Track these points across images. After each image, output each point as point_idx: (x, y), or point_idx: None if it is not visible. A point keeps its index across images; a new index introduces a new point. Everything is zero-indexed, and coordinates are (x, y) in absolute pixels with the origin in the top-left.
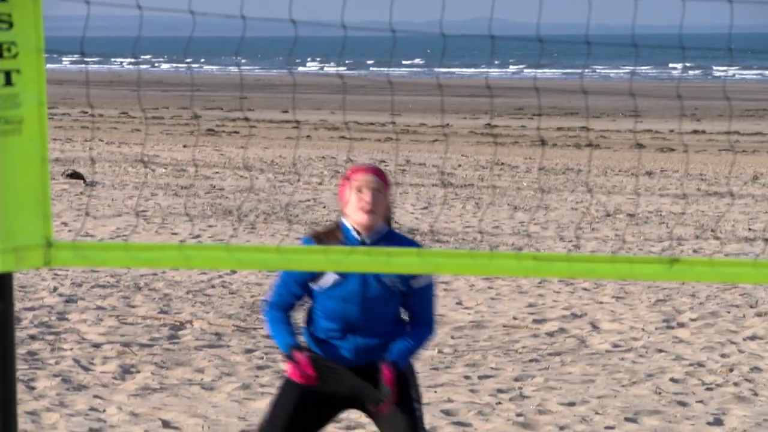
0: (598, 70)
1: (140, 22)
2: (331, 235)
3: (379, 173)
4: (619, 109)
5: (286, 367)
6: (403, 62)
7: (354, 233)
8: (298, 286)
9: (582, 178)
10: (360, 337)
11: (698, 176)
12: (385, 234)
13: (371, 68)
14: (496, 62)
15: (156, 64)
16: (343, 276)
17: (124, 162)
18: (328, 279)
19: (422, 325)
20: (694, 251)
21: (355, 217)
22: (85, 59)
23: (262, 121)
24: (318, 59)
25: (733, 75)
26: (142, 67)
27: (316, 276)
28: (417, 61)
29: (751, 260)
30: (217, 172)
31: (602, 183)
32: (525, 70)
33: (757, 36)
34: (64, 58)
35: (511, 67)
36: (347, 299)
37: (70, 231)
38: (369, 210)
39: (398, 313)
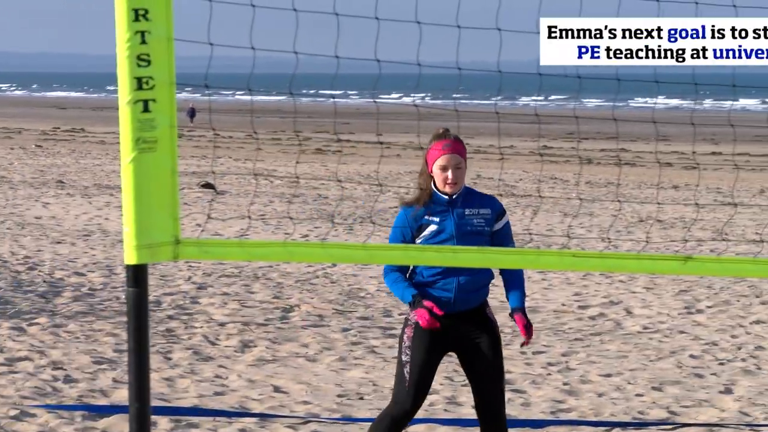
0: (633, 102)
1: (253, 60)
2: (422, 198)
3: (459, 149)
4: (652, 134)
5: (414, 315)
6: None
7: (441, 194)
8: (407, 243)
9: (620, 190)
10: (460, 276)
11: (715, 189)
12: (464, 191)
13: (442, 99)
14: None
15: (275, 95)
16: (440, 224)
17: (248, 175)
18: (430, 228)
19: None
20: (711, 251)
21: (442, 188)
22: (208, 91)
23: (360, 142)
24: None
25: (736, 106)
26: (260, 98)
27: (419, 230)
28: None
29: (751, 258)
30: (323, 184)
31: (636, 194)
32: (568, 102)
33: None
34: (188, 90)
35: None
36: (446, 243)
37: (202, 231)
38: (453, 184)
39: None
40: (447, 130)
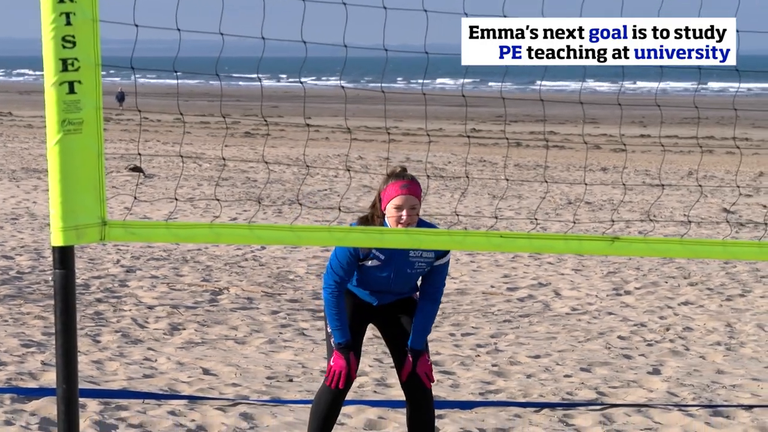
0: (555, 85)
1: (179, 43)
2: (374, 224)
3: (414, 190)
4: (581, 117)
5: (332, 356)
6: (398, 79)
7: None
8: (352, 267)
9: (549, 173)
10: (390, 295)
11: (644, 172)
12: (415, 226)
13: (369, 83)
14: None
15: (204, 79)
16: (384, 262)
17: (176, 158)
18: (373, 262)
19: (431, 302)
20: (639, 232)
21: (393, 227)
22: (135, 74)
23: (289, 125)
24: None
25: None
26: (188, 81)
27: (364, 258)
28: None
29: (678, 239)
30: (251, 167)
31: (565, 177)
32: (490, 84)
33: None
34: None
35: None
36: (384, 276)
37: (131, 214)
38: (406, 225)
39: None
40: (404, 169)
